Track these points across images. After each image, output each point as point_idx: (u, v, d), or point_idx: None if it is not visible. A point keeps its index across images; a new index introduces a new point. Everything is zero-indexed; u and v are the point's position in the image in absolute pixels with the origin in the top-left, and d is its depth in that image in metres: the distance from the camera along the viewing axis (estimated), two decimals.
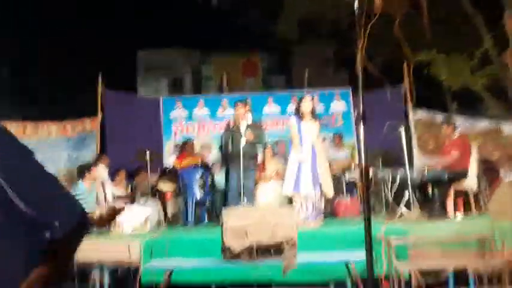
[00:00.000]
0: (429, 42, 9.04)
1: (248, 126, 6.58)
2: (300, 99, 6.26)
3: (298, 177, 5.95)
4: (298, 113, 6.17)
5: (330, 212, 6.96)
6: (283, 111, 9.46)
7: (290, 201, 6.24)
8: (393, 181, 6.31)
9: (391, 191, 6.32)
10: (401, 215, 5.86)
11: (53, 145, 8.66)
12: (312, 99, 6.33)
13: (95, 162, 6.99)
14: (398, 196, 6.15)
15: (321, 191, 5.96)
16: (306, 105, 6.11)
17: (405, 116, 8.65)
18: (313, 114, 6.17)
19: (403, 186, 6.08)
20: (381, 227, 4.90)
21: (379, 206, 6.80)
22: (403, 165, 6.16)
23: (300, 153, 6.00)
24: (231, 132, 6.58)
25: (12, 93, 10.04)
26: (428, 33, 8.51)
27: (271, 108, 9.54)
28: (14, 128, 8.39)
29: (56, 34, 12.21)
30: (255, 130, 6.59)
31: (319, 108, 9.49)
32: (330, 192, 6.10)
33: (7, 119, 8.44)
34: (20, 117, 8.83)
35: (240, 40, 14.02)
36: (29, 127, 8.64)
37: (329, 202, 6.74)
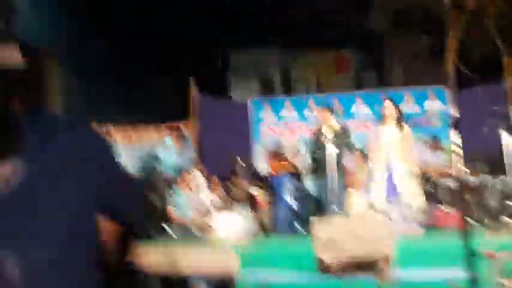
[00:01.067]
0: None
1: (333, 131, 6.44)
2: (382, 104, 6.07)
3: (373, 188, 5.89)
4: (381, 117, 6.02)
5: (430, 222, 6.64)
6: (373, 112, 9.19)
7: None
8: (497, 188, 5.90)
9: (495, 199, 5.92)
10: (508, 226, 5.48)
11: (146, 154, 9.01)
12: (394, 103, 6.07)
13: (191, 169, 7.23)
14: (503, 204, 5.76)
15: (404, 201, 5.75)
16: (388, 111, 5.91)
17: (509, 114, 8.04)
18: (399, 119, 5.92)
19: (508, 193, 5.68)
20: (485, 239, 4.62)
21: (484, 216, 6.38)
22: (508, 170, 5.74)
23: (375, 163, 5.91)
24: (316, 139, 6.52)
25: (109, 100, 10.64)
26: None
27: (359, 108, 9.32)
28: (119, 132, 8.90)
29: (147, 39, 12.73)
30: (340, 135, 6.48)
31: (413, 108, 9.11)
32: (414, 201, 5.84)
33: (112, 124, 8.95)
34: (120, 122, 9.28)
35: (331, 36, 13.80)
36: (132, 132, 9.06)
37: (426, 211, 6.44)
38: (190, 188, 6.52)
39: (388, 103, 6.00)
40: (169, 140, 7.78)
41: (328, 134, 6.43)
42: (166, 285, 5.43)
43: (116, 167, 1.24)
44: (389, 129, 5.89)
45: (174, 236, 5.97)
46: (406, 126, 5.97)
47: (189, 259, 5.01)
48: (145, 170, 7.67)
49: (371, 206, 5.91)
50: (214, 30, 14.11)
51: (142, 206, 1.37)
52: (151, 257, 5.41)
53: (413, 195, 5.81)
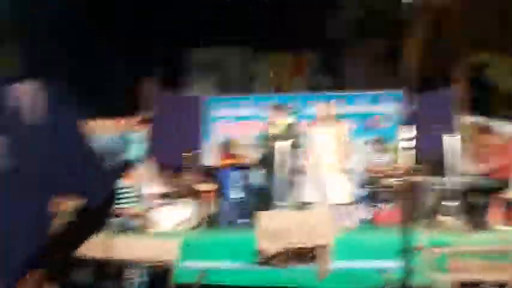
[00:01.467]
0: (484, 40, 8.68)
1: (284, 129, 6.65)
2: (316, 105, 6.28)
3: (305, 185, 6.15)
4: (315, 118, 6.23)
5: (371, 219, 6.85)
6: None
7: None
8: (436, 188, 6.11)
9: (433, 199, 6.13)
10: (443, 224, 5.67)
11: (110, 141, 8.95)
12: (328, 103, 6.26)
13: (140, 161, 7.17)
14: (440, 205, 5.96)
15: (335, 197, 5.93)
16: (321, 111, 6.11)
17: (453, 120, 8.32)
18: (331, 119, 6.11)
19: (445, 194, 5.88)
20: (420, 236, 4.77)
21: (420, 215, 6.59)
22: (448, 172, 5.95)
23: (306, 161, 6.19)
24: (265, 134, 6.68)
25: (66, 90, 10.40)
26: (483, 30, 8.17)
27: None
28: None
29: (107, 32, 12.53)
30: (292, 133, 6.61)
31: (366, 110, 9.34)
32: (342, 199, 6.03)
33: None
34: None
35: (288, 39, 13.96)
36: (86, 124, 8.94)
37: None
38: (134, 180, 6.46)
39: (320, 104, 6.20)
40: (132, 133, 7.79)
41: (277, 130, 6.60)
42: (102, 273, 5.36)
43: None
44: (321, 129, 6.08)
45: (112, 226, 5.89)
46: (340, 125, 6.18)
47: (127, 248, 4.96)
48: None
49: (306, 202, 6.07)
50: (175, 28, 14.06)
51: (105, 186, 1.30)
52: (88, 244, 5.32)
53: (344, 192, 6.00)
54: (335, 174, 5.98)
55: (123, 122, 9.18)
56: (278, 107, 6.94)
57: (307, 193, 6.05)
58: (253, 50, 16.29)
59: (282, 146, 6.32)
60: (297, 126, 7.18)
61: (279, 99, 8.94)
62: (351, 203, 6.59)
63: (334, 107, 6.35)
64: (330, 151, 6.00)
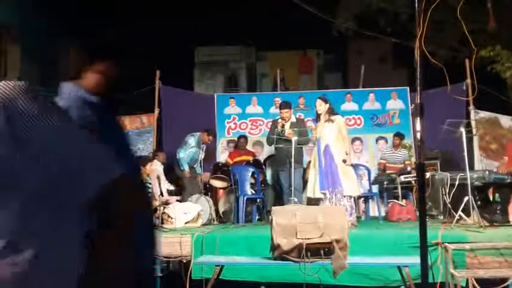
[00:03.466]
0: (493, 35, 8.61)
1: (291, 125, 6.65)
2: (314, 103, 6.29)
3: (314, 179, 6.08)
4: (316, 115, 6.27)
5: (384, 216, 6.82)
6: (338, 109, 9.33)
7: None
8: (452, 184, 6.03)
9: (449, 195, 6.06)
10: (460, 220, 5.60)
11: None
12: (325, 100, 6.29)
13: (151, 158, 7.14)
14: (457, 200, 5.88)
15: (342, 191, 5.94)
16: (319, 108, 6.15)
17: (466, 116, 8.26)
18: (330, 114, 6.14)
19: (462, 190, 5.81)
20: (437, 232, 4.72)
21: (436, 211, 6.54)
22: (463, 167, 5.88)
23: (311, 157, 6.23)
24: (277, 133, 6.69)
25: None
26: (492, 24, 8.09)
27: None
28: None
29: (115, 29, 12.54)
30: (300, 130, 6.69)
31: (375, 107, 9.30)
32: (352, 192, 6.06)
33: None
34: None
35: (296, 37, 13.94)
36: None
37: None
38: (148, 176, 6.44)
39: (318, 101, 6.22)
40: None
41: (286, 125, 6.70)
42: None
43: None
44: (323, 124, 6.11)
45: None
46: (338, 120, 6.18)
47: None
48: None
49: (317, 197, 6.05)
50: (182, 27, 14.05)
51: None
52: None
53: (349, 185, 5.96)
54: (343, 169, 5.99)
55: (126, 120, 9.16)
56: (285, 104, 6.94)
57: (318, 188, 6.04)
58: (256, 49, 16.34)
59: (292, 142, 6.33)
60: (304, 122, 7.22)
61: (286, 96, 8.92)
62: (358, 197, 6.61)
63: (329, 104, 6.35)
64: (334, 146, 6.04)
